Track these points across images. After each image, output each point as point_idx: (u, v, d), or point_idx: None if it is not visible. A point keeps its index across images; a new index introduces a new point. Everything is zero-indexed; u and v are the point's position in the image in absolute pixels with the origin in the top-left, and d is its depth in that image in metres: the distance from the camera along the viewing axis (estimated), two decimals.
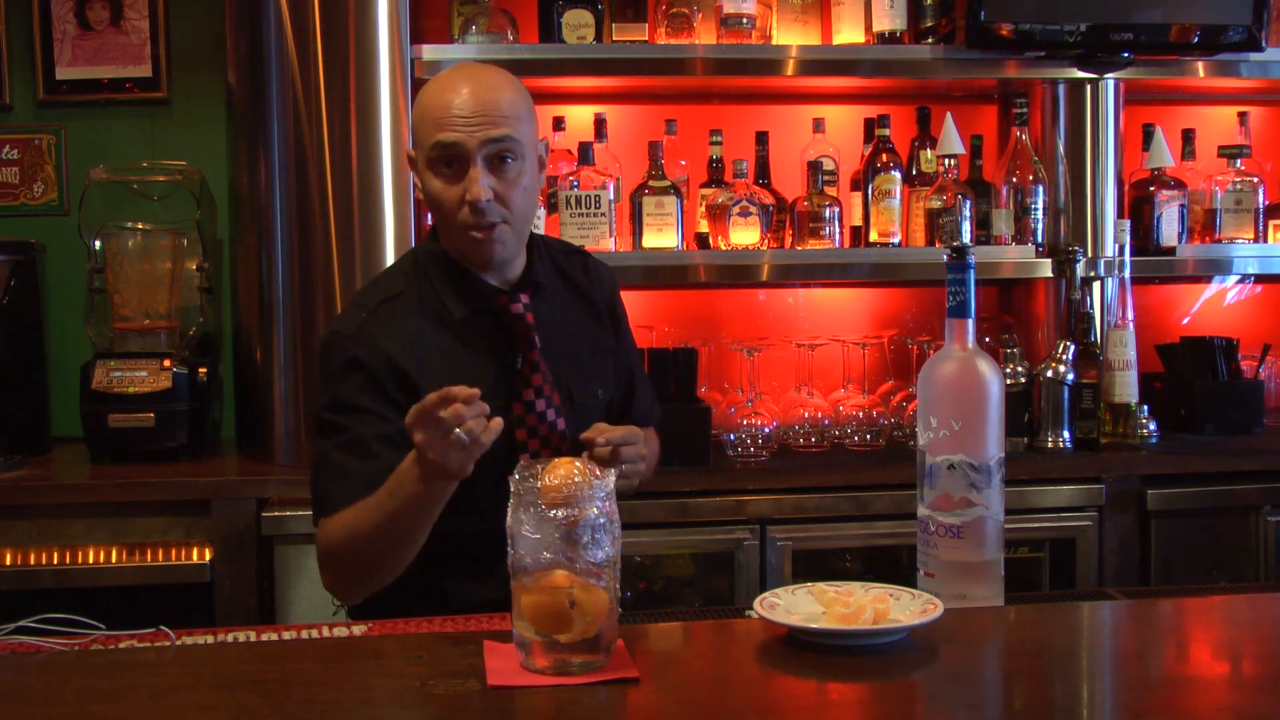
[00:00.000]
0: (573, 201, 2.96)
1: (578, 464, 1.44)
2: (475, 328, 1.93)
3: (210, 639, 1.66)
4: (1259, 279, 3.55)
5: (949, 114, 3.07)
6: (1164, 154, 3.22)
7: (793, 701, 1.41)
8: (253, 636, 1.69)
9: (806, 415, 3.11)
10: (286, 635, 1.72)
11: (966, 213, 3.07)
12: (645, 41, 3.10)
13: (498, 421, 1.66)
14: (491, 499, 1.57)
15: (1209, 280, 3.55)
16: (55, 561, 2.68)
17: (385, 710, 1.34)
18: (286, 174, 2.87)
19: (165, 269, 3.15)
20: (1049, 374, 2.94)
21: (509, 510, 1.43)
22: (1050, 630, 1.65)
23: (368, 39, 2.84)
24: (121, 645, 1.61)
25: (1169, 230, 3.22)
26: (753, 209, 3.04)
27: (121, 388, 2.93)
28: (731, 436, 2.98)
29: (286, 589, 2.71)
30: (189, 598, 2.68)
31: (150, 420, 2.92)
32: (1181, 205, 3.23)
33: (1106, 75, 3.14)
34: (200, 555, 2.70)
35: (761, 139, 3.27)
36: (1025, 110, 3.17)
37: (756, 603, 1.56)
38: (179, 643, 1.63)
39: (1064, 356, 2.95)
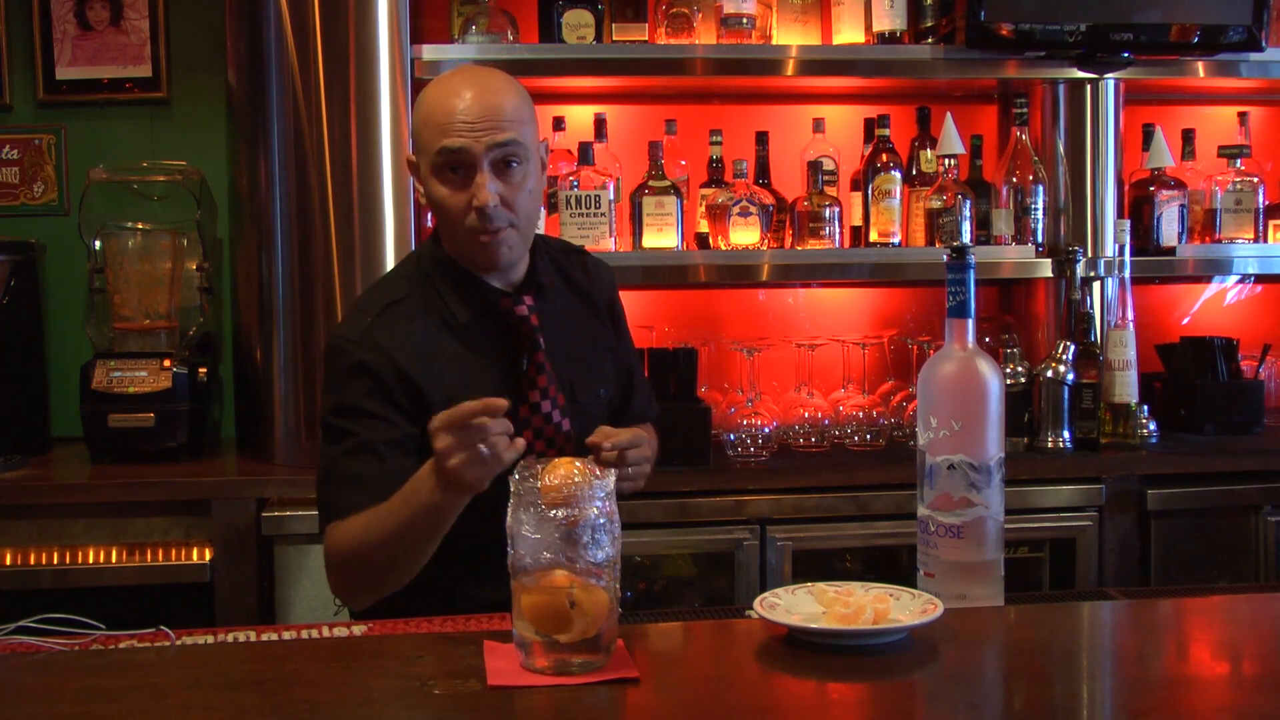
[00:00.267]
0: (573, 201, 2.96)
1: (578, 464, 1.44)
2: (479, 331, 1.92)
3: (210, 639, 1.66)
4: (1259, 279, 3.55)
5: (949, 114, 3.08)
6: (1164, 154, 3.22)
7: (793, 701, 1.41)
8: (253, 636, 1.69)
9: (806, 415, 3.11)
10: (286, 635, 1.72)
11: (966, 213, 3.07)
12: (645, 41, 3.10)
13: (520, 442, 1.64)
14: (498, 501, 1.57)
15: (1209, 280, 3.55)
16: (55, 561, 2.68)
17: (385, 710, 1.34)
18: (286, 174, 2.87)
19: (165, 269, 3.15)
20: (1049, 374, 2.94)
21: (509, 510, 1.43)
22: (1050, 630, 1.65)
23: (368, 39, 2.84)
24: (121, 645, 1.61)
25: (1169, 230, 3.22)
26: (753, 209, 3.04)
27: (121, 388, 2.93)
28: (731, 436, 2.98)
29: (286, 589, 2.71)
30: (189, 598, 2.69)
31: (150, 420, 2.92)
32: (1181, 205, 3.23)
33: (1106, 75, 3.14)
34: (200, 555, 2.70)
35: (761, 139, 3.27)
36: (1025, 110, 3.17)
37: (756, 603, 1.56)
38: (179, 643, 1.63)
39: (1064, 356, 2.95)
